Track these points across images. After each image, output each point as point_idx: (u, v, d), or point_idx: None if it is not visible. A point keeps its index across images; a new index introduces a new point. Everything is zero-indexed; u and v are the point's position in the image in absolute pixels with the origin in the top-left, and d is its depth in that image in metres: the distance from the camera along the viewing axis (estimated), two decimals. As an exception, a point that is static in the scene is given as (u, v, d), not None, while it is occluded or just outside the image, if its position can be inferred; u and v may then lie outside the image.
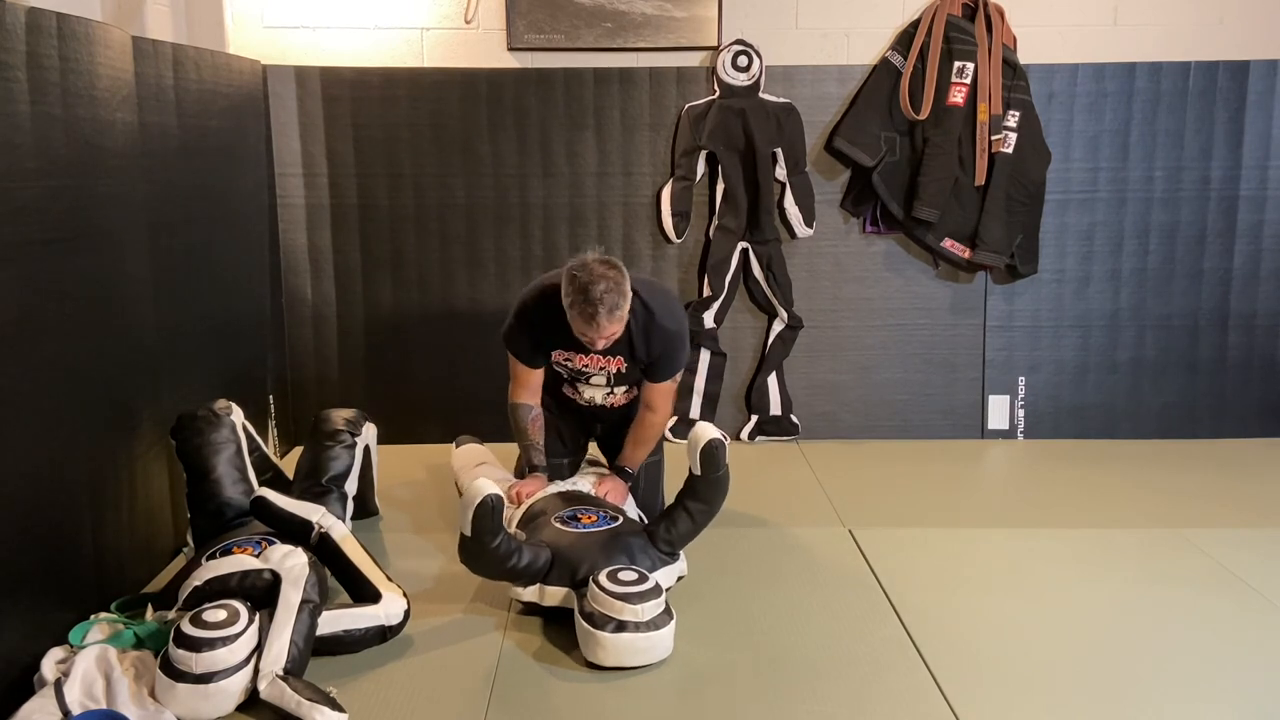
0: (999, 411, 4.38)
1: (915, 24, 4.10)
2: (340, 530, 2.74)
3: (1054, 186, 4.21)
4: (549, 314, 2.99)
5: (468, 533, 2.54)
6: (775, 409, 4.35)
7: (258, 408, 3.85)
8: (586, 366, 3.14)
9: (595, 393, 3.26)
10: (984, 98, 4.06)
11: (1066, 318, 4.33)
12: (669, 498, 3.29)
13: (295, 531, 2.70)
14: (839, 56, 4.21)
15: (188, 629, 2.27)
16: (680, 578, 2.87)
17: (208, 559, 2.62)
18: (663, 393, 3.17)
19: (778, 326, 4.30)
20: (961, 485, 3.86)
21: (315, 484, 3.10)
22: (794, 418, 4.36)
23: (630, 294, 2.89)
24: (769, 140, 4.12)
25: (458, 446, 3.64)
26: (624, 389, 3.26)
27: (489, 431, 3.89)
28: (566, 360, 3.14)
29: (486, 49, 4.16)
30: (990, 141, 4.09)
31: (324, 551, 2.69)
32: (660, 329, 3.03)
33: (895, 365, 4.37)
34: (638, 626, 2.46)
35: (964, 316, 4.34)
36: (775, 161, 4.15)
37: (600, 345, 2.92)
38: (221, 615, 2.31)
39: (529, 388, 3.19)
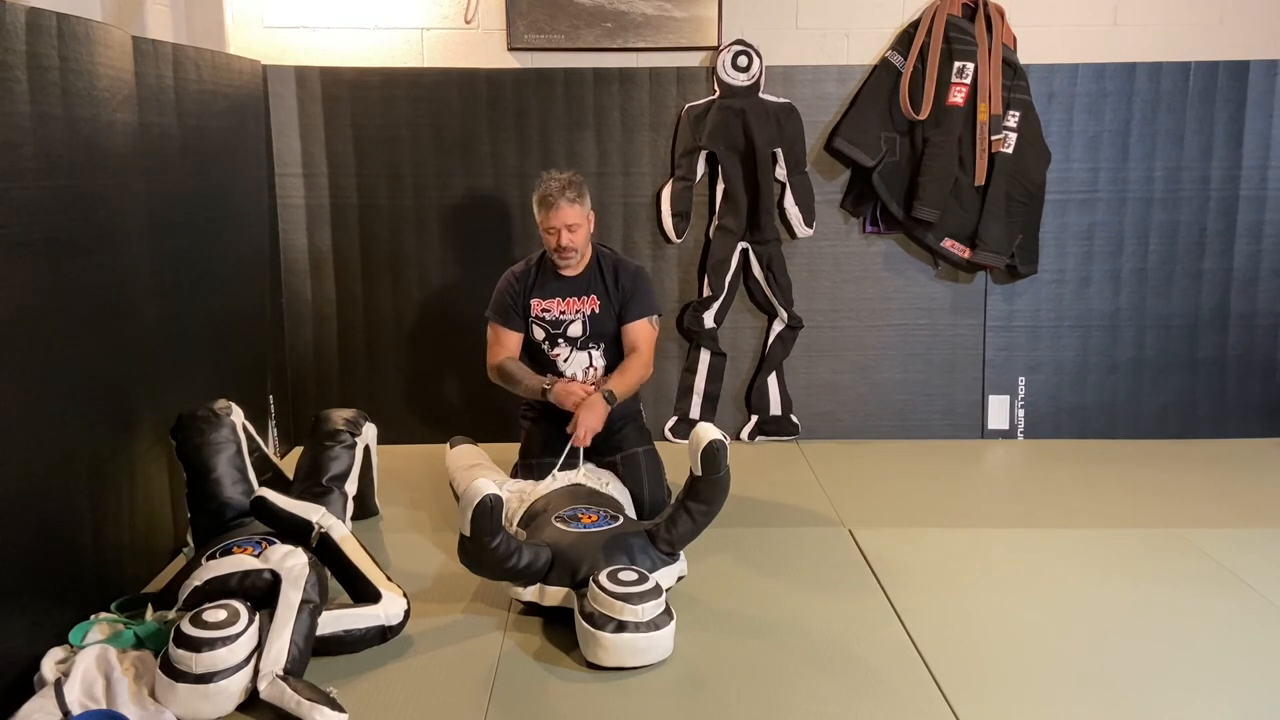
0: (999, 411, 4.38)
1: (915, 24, 4.10)
2: (340, 530, 2.73)
3: (1054, 186, 4.21)
4: (528, 269, 3.46)
5: (467, 533, 2.54)
6: (775, 409, 4.35)
7: (258, 408, 3.85)
8: (564, 313, 3.40)
9: (576, 366, 3.43)
10: (984, 98, 4.06)
11: (1066, 318, 4.33)
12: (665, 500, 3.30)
13: (295, 531, 2.70)
14: (839, 56, 4.21)
15: (188, 629, 2.27)
16: (680, 578, 2.87)
17: (208, 559, 2.62)
18: (643, 334, 3.43)
19: (778, 326, 4.30)
20: (961, 485, 3.86)
21: (315, 484, 3.10)
22: (794, 418, 4.36)
23: (588, 199, 3.37)
24: (769, 140, 4.12)
25: (452, 448, 3.65)
26: (603, 362, 3.44)
27: (488, 433, 3.90)
28: (545, 311, 3.42)
29: (486, 49, 4.16)
30: (990, 141, 4.09)
31: (324, 551, 2.68)
32: (625, 264, 3.48)
33: (895, 365, 4.37)
34: (638, 626, 2.46)
35: (964, 316, 4.35)
36: (775, 161, 4.15)
37: (565, 240, 3.30)
38: (221, 615, 2.31)
39: (507, 349, 3.43)
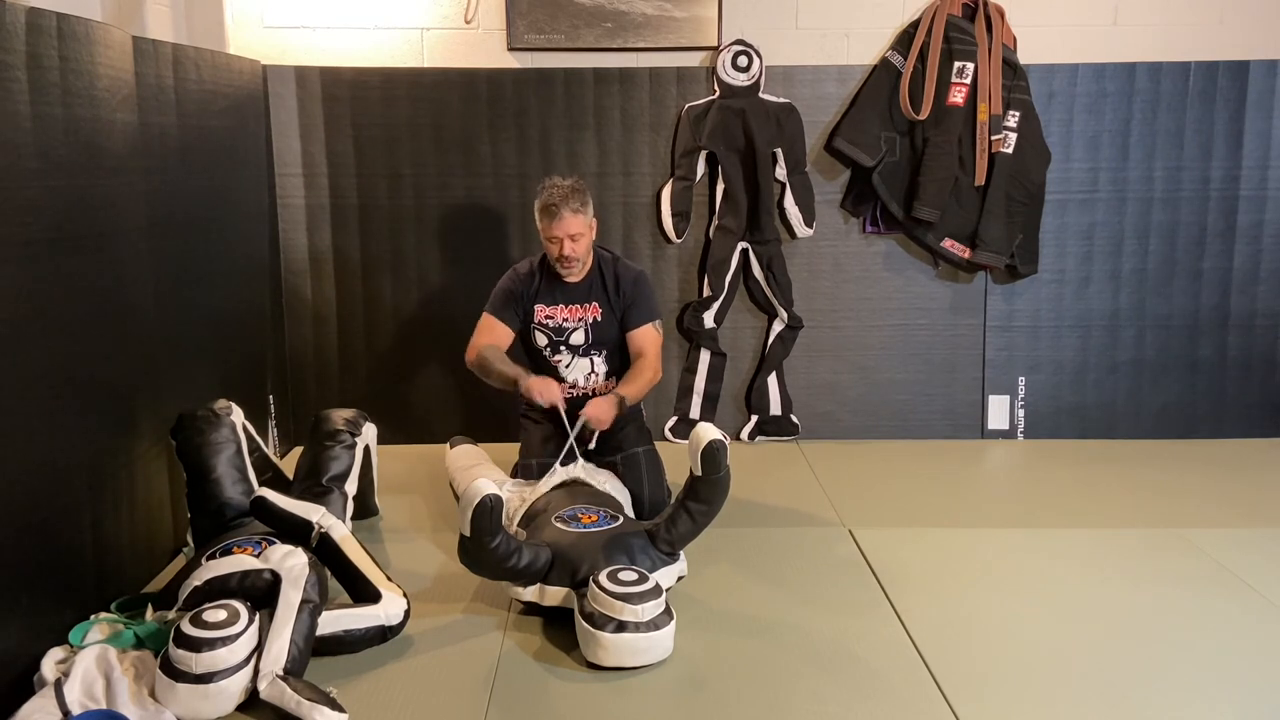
0: (999, 411, 4.38)
1: (915, 24, 4.10)
2: (340, 530, 2.73)
3: (1054, 186, 4.21)
4: (531, 271, 3.44)
5: (467, 533, 2.54)
6: (775, 409, 4.35)
7: (258, 408, 3.85)
8: (566, 320, 3.38)
9: (578, 372, 3.42)
10: (984, 98, 4.06)
11: (1066, 318, 4.33)
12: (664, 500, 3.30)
13: (295, 531, 2.70)
14: (839, 56, 4.21)
15: (188, 629, 2.27)
16: (680, 578, 2.87)
17: (208, 559, 2.62)
18: (648, 340, 3.41)
19: (778, 326, 4.30)
20: (961, 485, 3.86)
21: (315, 484, 3.10)
22: (794, 418, 4.36)
23: (591, 207, 3.33)
24: (769, 140, 4.12)
25: (452, 448, 3.65)
26: (604, 368, 3.43)
27: (488, 433, 3.90)
28: (548, 318, 3.40)
29: (486, 49, 4.16)
30: (990, 141, 4.09)
31: (324, 551, 2.68)
32: (626, 268, 3.45)
33: (895, 365, 4.37)
34: (638, 626, 2.46)
35: (964, 316, 4.35)
36: (775, 161, 4.15)
37: (568, 249, 3.26)
38: (221, 615, 2.31)
39: (494, 337, 3.40)
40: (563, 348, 3.41)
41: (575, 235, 3.28)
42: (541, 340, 3.43)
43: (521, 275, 3.44)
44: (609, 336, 3.42)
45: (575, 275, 3.38)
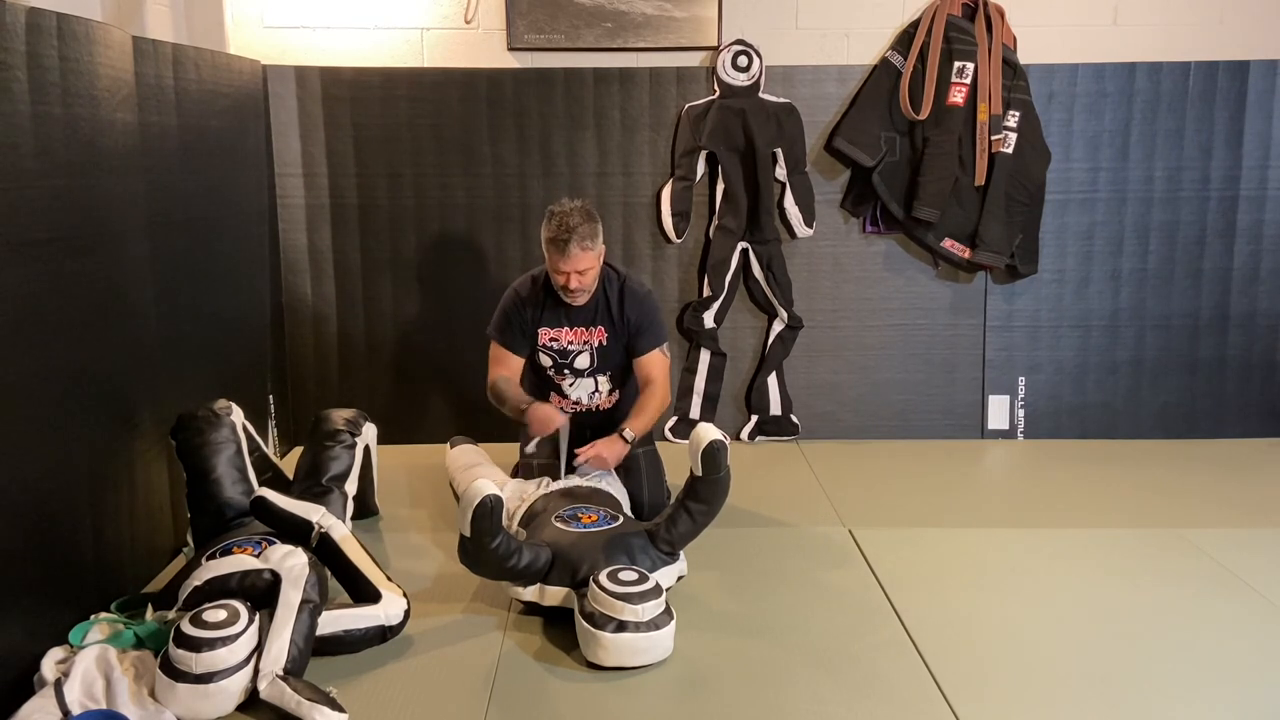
0: (999, 411, 4.38)
1: (915, 24, 4.10)
2: (340, 530, 2.74)
3: (1054, 186, 4.21)
4: (535, 292, 3.32)
5: (467, 533, 2.54)
6: (775, 409, 4.35)
7: (258, 408, 3.85)
8: (571, 343, 3.31)
9: (582, 391, 3.38)
10: (984, 98, 4.06)
11: (1066, 318, 4.33)
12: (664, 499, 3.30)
13: (295, 531, 2.70)
14: (839, 56, 4.21)
15: (188, 629, 2.27)
16: (680, 578, 2.87)
17: (208, 559, 2.62)
18: (657, 365, 3.34)
19: (778, 326, 4.31)
20: (961, 485, 3.86)
21: (315, 484, 3.10)
22: (794, 418, 4.36)
23: (600, 236, 3.19)
24: (769, 140, 4.12)
25: (452, 447, 3.65)
26: (608, 386, 3.39)
27: (488, 433, 3.90)
28: (553, 340, 3.31)
29: (486, 49, 4.16)
30: (990, 141, 4.09)
31: (324, 551, 2.68)
32: (632, 292, 3.32)
33: (895, 365, 4.37)
34: (638, 626, 2.46)
35: (964, 316, 4.35)
36: (775, 161, 4.15)
37: (575, 283, 3.16)
38: (221, 615, 2.31)
39: (509, 368, 3.33)
40: (567, 370, 3.37)
41: (584, 270, 3.16)
42: (546, 362, 3.37)
43: (524, 297, 3.32)
44: (614, 359, 3.36)
45: (581, 300, 3.28)
